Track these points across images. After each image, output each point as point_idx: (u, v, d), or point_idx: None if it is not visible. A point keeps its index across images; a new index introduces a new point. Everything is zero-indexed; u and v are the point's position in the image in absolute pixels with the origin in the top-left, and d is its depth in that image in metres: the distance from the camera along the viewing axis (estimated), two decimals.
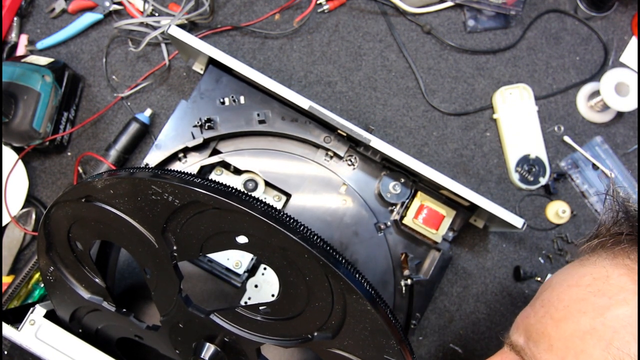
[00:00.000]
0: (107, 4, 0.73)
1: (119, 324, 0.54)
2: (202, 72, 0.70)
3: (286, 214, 0.41)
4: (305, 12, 0.72)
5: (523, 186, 0.73)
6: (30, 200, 0.70)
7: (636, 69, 0.76)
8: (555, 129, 0.75)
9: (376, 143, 0.60)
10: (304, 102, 0.60)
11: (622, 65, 0.77)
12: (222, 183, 0.42)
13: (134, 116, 0.70)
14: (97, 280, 0.51)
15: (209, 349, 0.48)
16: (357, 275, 0.41)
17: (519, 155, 0.73)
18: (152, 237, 0.44)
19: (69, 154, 0.72)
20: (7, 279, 0.66)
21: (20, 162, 0.68)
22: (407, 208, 0.64)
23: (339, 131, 0.62)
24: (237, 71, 0.61)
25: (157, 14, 0.74)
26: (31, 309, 0.53)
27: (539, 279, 0.72)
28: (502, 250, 0.73)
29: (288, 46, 0.75)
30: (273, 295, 0.64)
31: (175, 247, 0.44)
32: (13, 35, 0.73)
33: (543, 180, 0.73)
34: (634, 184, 0.74)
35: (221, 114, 0.64)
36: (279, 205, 0.66)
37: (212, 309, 0.47)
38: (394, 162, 0.61)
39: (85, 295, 0.52)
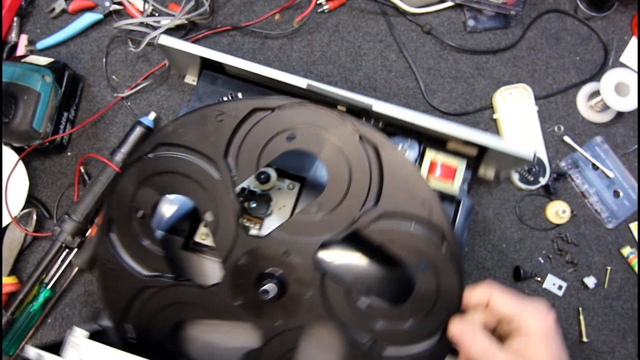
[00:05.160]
0: (107, 4, 0.73)
1: (174, 299, 0.54)
2: (194, 83, 0.70)
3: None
4: (305, 12, 0.72)
5: (523, 186, 0.73)
6: (31, 200, 0.70)
7: (636, 69, 0.76)
8: (555, 129, 0.75)
9: (378, 106, 0.57)
10: (300, 82, 0.58)
11: (622, 65, 0.77)
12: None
13: (139, 120, 0.69)
14: (155, 248, 0.54)
15: (270, 280, 0.52)
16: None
17: None
18: (214, 168, 0.52)
19: (69, 154, 0.72)
20: (7, 280, 0.66)
21: (20, 162, 0.68)
22: (419, 167, 0.62)
23: (339, 107, 0.60)
24: (228, 64, 0.59)
25: (157, 14, 0.74)
26: (68, 331, 0.50)
27: (539, 279, 0.72)
28: (502, 250, 0.73)
29: (288, 46, 0.75)
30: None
31: (234, 172, 0.52)
32: (13, 35, 0.73)
33: (543, 180, 0.73)
34: (634, 184, 0.74)
35: None
36: (294, 192, 0.63)
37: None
38: (398, 125, 0.60)
39: (144, 272, 0.54)
